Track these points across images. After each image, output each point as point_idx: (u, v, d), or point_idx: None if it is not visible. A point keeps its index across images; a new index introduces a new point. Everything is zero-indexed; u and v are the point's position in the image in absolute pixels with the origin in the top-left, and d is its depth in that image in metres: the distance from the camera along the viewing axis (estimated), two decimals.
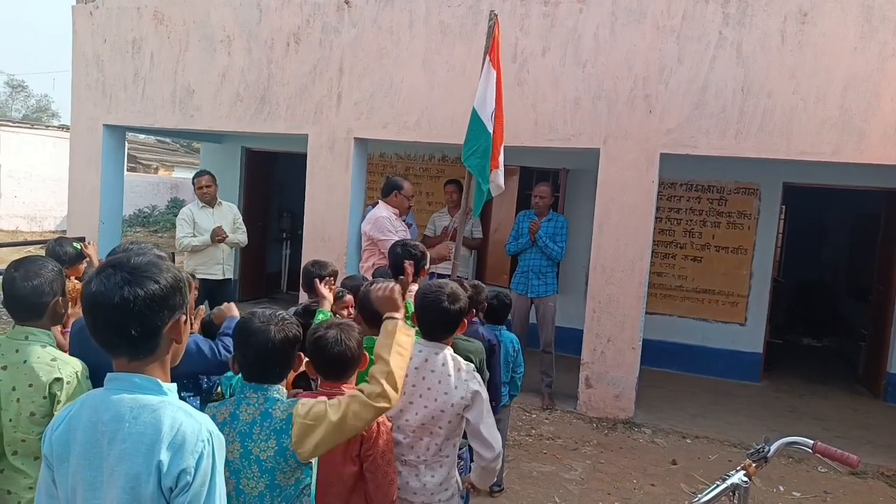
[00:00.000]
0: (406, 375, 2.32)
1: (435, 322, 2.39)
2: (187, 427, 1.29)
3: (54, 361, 2.14)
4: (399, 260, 3.50)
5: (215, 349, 2.47)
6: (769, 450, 1.94)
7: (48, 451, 1.38)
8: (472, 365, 2.43)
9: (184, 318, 1.38)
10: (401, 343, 1.98)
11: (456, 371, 2.33)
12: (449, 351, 2.40)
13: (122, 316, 1.30)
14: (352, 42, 6.15)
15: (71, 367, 2.15)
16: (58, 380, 2.10)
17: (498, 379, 3.57)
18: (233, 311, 2.69)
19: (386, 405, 1.87)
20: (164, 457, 1.26)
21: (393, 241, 4.64)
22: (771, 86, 5.02)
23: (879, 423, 5.87)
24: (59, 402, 2.09)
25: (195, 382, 2.70)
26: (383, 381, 1.87)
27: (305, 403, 1.86)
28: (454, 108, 5.63)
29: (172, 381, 1.39)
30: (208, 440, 1.30)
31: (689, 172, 6.93)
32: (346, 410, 1.82)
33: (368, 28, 6.09)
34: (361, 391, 1.89)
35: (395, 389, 1.89)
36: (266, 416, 1.85)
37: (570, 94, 5.52)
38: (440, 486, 2.35)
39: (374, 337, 2.61)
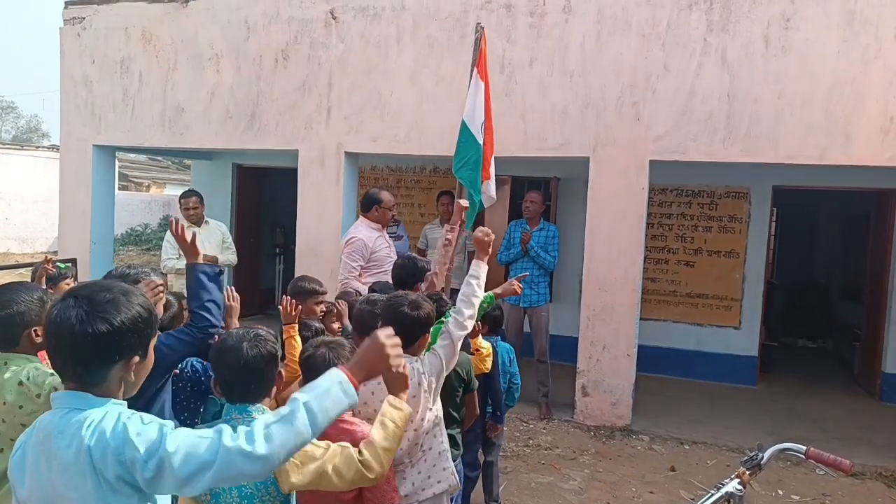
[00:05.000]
0: (372, 394, 2.35)
1: (396, 328, 2.38)
2: (104, 423, 1.29)
3: (21, 370, 2.11)
4: (402, 272, 3.50)
5: (187, 335, 2.36)
6: (762, 457, 1.94)
7: (10, 473, 1.41)
8: (426, 354, 2.48)
9: (137, 359, 1.38)
10: (395, 419, 1.95)
11: (411, 369, 2.32)
12: (411, 359, 2.38)
13: (70, 350, 1.32)
14: (340, 57, 6.18)
15: (42, 373, 2.10)
16: (20, 383, 2.07)
17: (497, 387, 3.58)
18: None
19: (371, 476, 1.87)
20: (95, 460, 1.26)
21: (352, 269, 4.48)
22: (756, 91, 5.06)
23: (876, 424, 5.88)
24: (20, 407, 2.06)
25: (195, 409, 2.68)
26: (381, 454, 1.88)
27: None
28: (443, 121, 5.66)
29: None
30: (124, 417, 1.30)
31: (680, 178, 6.97)
32: (332, 458, 1.83)
33: (356, 43, 6.12)
34: (360, 452, 1.87)
35: (384, 466, 1.90)
36: None
37: (558, 103, 5.55)
38: (428, 479, 2.38)
39: None
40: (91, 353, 1.32)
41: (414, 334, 2.39)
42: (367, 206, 4.75)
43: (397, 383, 1.99)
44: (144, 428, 1.29)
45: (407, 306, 2.37)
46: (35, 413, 2.05)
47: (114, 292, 1.36)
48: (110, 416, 1.31)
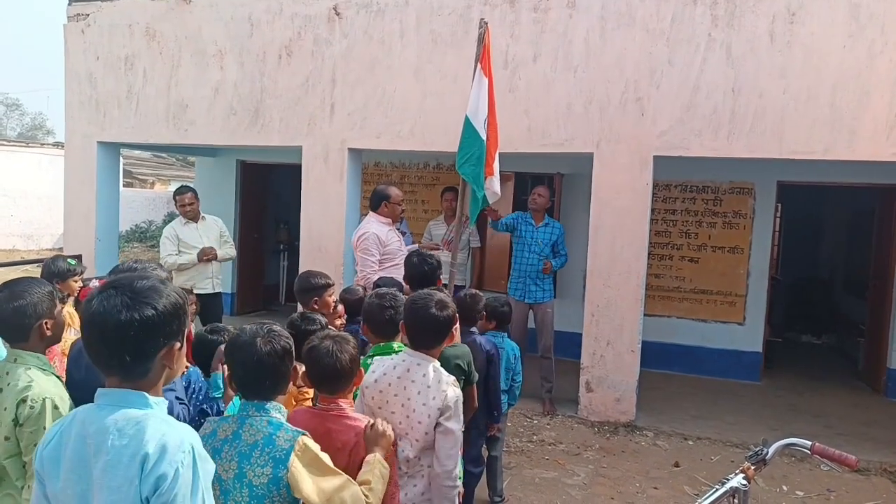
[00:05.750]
0: (389, 385, 2.34)
1: (422, 329, 2.38)
2: (169, 438, 1.30)
3: (29, 385, 2.09)
4: (416, 270, 3.50)
5: (177, 419, 2.38)
6: (767, 452, 1.94)
7: (39, 466, 1.39)
8: (453, 377, 2.42)
9: (178, 345, 1.39)
10: (385, 476, 2.01)
11: (436, 383, 2.32)
12: (434, 364, 2.38)
13: (118, 339, 1.31)
14: (343, 53, 6.17)
15: (39, 394, 2.08)
16: (23, 401, 2.06)
17: (498, 388, 3.57)
18: None
19: None
20: (145, 467, 1.27)
21: (371, 264, 4.57)
22: (761, 86, 5.04)
23: (880, 419, 5.87)
24: (20, 425, 2.05)
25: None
26: (379, 501, 1.94)
27: (309, 447, 1.83)
28: (447, 117, 5.65)
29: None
30: (189, 452, 1.30)
31: (684, 173, 6.95)
32: (343, 489, 1.84)
33: (360, 39, 6.12)
34: (366, 495, 1.89)
35: None
36: (269, 442, 1.81)
37: (562, 99, 5.54)
38: (422, 495, 2.35)
39: (381, 345, 2.63)
40: (139, 340, 1.32)
41: (442, 333, 2.39)
42: (376, 202, 4.79)
43: (383, 441, 2.04)
44: (196, 472, 1.31)
45: (435, 307, 2.35)
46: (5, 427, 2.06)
47: (152, 280, 1.39)
48: (176, 432, 1.32)
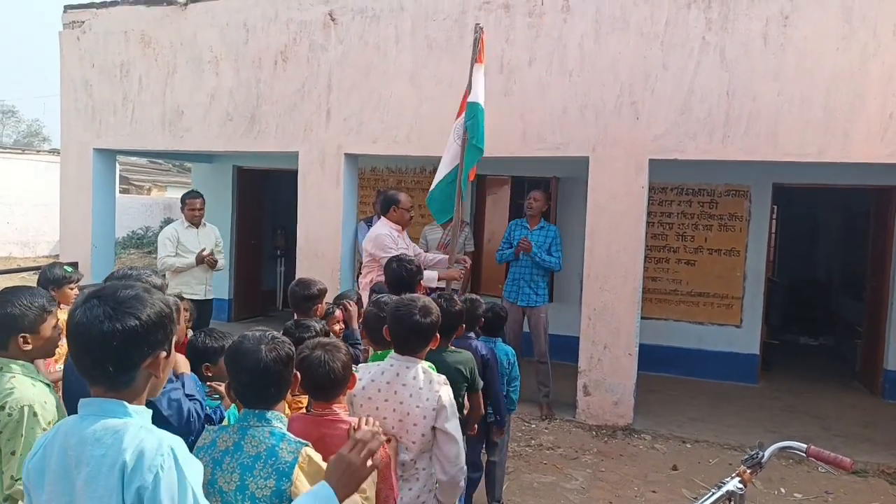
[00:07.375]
0: (378, 391, 2.34)
1: (406, 335, 2.39)
2: (146, 443, 1.28)
3: (10, 391, 2.06)
4: (395, 275, 3.51)
5: (190, 415, 2.31)
6: (763, 455, 1.94)
7: (26, 478, 1.38)
8: (444, 377, 2.43)
9: (164, 354, 1.38)
10: (373, 478, 1.98)
11: (427, 383, 2.33)
12: (422, 365, 2.39)
13: (101, 349, 1.30)
14: (339, 59, 6.19)
15: (18, 400, 2.05)
16: (1, 408, 2.03)
17: (497, 391, 3.57)
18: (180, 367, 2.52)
19: None
20: (125, 475, 1.25)
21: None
22: (755, 89, 5.06)
23: (878, 420, 5.88)
24: None
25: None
26: None
27: (313, 458, 1.80)
28: (443, 122, 5.65)
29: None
30: (168, 454, 1.28)
31: (680, 176, 6.97)
32: None
33: (355, 44, 6.13)
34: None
35: None
36: (272, 454, 1.77)
37: (557, 103, 5.55)
38: (417, 498, 2.36)
39: (380, 353, 2.63)
40: (123, 351, 1.30)
41: (426, 338, 2.40)
42: (386, 206, 4.91)
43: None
44: (180, 475, 1.29)
45: (419, 313, 2.36)
46: None
47: (136, 289, 1.37)
48: (154, 437, 1.30)
